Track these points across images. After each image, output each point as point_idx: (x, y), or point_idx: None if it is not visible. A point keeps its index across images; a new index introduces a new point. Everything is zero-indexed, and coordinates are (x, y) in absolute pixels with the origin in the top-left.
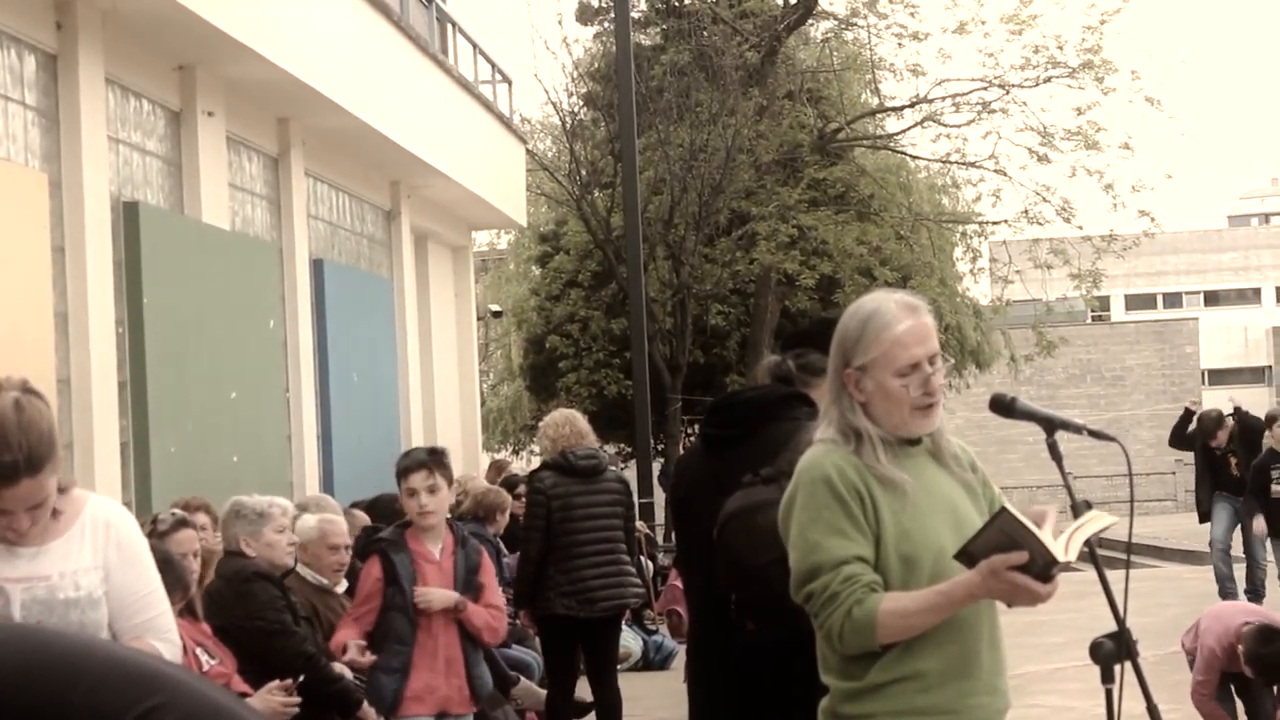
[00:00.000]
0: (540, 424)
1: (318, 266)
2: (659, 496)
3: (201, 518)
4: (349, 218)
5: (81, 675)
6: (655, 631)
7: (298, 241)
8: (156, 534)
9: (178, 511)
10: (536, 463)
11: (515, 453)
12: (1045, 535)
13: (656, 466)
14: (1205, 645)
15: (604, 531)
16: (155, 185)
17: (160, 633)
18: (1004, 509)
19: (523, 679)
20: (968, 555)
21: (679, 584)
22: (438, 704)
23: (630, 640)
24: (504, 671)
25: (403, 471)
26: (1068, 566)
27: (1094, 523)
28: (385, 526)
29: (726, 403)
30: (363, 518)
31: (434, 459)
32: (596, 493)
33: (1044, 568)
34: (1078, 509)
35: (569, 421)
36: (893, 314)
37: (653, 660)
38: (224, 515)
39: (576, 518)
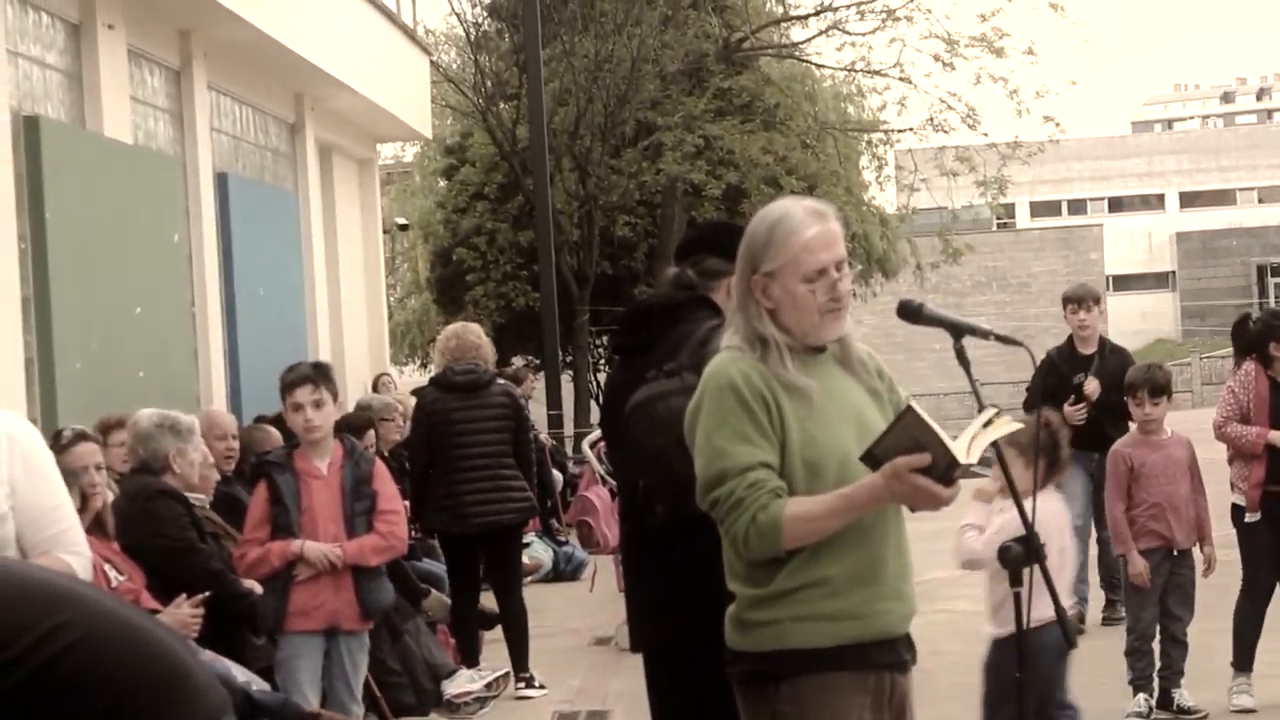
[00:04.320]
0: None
1: (221, 180)
2: (568, 407)
3: (119, 435)
4: (253, 131)
5: None
6: (565, 543)
7: (201, 155)
8: (57, 448)
9: (78, 426)
10: None
11: (423, 366)
12: (948, 437)
13: (566, 378)
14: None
15: (486, 447)
16: (56, 99)
17: (69, 546)
18: (909, 408)
19: (433, 591)
20: (872, 457)
21: (589, 495)
22: (326, 618)
23: (540, 551)
24: (414, 584)
25: (287, 387)
26: (969, 470)
27: (998, 427)
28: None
29: (634, 311)
30: (271, 432)
31: (318, 373)
32: (478, 408)
33: (945, 470)
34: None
35: (456, 335)
36: (800, 220)
37: (563, 571)
38: (146, 429)
39: (456, 433)
